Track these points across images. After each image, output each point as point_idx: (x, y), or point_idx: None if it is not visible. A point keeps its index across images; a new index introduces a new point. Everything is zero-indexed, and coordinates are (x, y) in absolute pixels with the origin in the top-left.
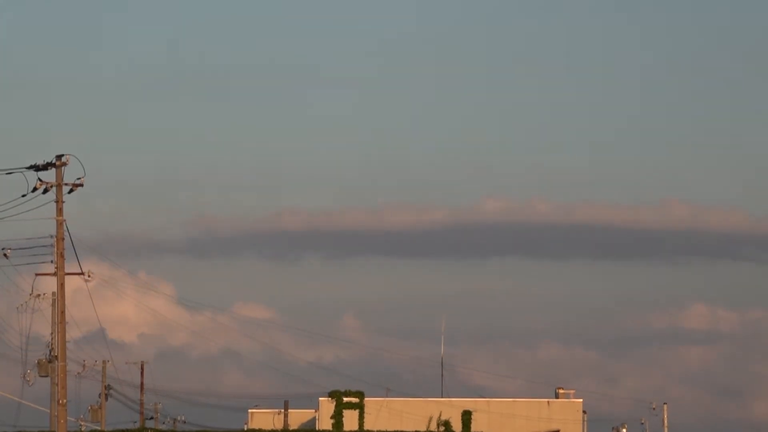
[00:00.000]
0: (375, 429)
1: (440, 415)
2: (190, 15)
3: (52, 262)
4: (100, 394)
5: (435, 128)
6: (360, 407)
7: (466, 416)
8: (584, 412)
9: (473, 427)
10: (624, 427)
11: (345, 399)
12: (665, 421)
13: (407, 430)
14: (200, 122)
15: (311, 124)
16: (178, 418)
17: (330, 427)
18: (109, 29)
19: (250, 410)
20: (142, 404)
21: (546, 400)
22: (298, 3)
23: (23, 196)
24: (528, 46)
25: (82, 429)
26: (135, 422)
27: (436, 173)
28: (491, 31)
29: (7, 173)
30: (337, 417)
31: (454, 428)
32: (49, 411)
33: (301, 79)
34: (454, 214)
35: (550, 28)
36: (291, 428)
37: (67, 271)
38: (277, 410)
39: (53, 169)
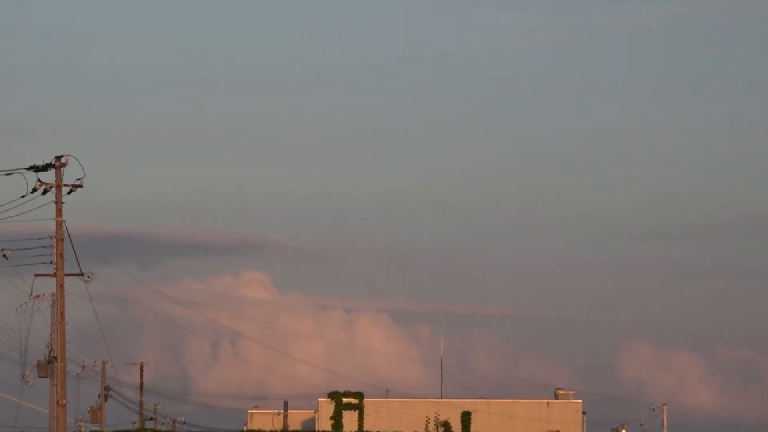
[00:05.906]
0: (374, 430)
1: (439, 416)
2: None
3: (51, 262)
4: (99, 395)
5: None
6: (359, 408)
7: (466, 417)
8: (584, 412)
9: (473, 427)
10: (624, 428)
11: (344, 400)
12: (665, 422)
13: (406, 430)
14: None
15: None
16: (178, 419)
17: (329, 428)
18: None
19: (249, 411)
20: (141, 405)
21: (545, 400)
22: None
23: (23, 196)
24: None
25: (82, 430)
26: (134, 423)
27: None
28: None
29: (6, 174)
30: (337, 418)
31: (453, 429)
32: (48, 412)
33: None
34: None
35: None
36: (290, 429)
37: (66, 271)
38: (276, 411)
39: (53, 170)
